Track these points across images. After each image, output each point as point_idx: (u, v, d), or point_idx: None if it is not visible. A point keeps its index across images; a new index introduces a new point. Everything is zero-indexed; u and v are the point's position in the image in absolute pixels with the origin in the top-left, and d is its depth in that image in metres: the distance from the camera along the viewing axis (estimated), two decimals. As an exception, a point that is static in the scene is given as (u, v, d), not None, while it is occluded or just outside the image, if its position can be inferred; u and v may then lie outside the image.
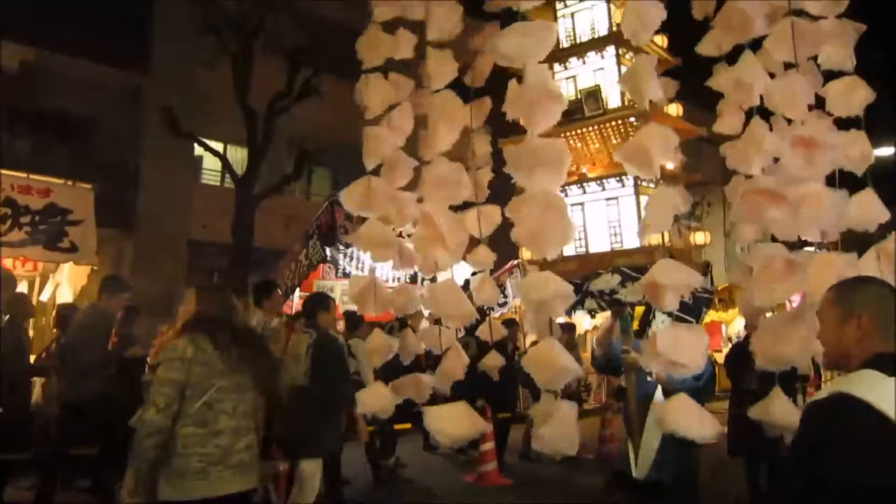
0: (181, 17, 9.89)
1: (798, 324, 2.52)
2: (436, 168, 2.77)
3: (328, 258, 7.06)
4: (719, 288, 15.45)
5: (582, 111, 4.33)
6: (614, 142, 4.31)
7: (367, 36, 3.09)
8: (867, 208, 2.75)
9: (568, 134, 4.37)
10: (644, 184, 4.20)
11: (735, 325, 15.45)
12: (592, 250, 4.34)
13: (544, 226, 2.43)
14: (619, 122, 4.23)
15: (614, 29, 4.32)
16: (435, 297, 2.78)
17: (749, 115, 2.72)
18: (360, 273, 6.62)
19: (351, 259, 7.07)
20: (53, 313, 6.44)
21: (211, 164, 11.78)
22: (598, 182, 4.36)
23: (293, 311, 6.76)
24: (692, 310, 3.53)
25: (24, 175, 7.20)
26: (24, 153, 9.54)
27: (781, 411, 2.58)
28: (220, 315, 2.60)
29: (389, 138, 3.03)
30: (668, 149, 2.48)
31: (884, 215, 2.74)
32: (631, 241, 4.11)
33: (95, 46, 10.00)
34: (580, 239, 4.42)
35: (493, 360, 3.39)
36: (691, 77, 3.02)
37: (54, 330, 6.01)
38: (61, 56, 10.07)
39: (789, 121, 2.74)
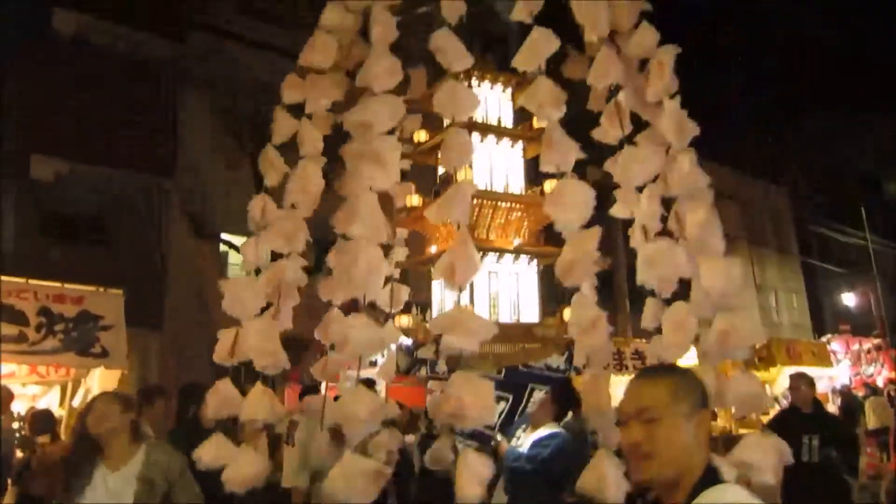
0: (203, 122, 10.38)
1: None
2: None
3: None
4: (757, 346, 15.05)
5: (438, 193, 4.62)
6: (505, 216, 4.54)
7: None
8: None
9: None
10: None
11: (780, 383, 14.95)
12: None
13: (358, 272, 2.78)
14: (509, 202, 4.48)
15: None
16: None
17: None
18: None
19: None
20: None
21: (237, 258, 12.02)
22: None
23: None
24: (510, 386, 3.54)
25: (59, 285, 7.41)
26: (55, 259, 9.86)
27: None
28: None
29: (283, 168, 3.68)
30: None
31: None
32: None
33: (124, 155, 10.49)
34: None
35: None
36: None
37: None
38: (93, 166, 10.56)
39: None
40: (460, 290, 2.90)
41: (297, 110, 3.78)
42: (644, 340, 9.79)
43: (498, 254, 4.36)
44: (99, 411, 2.62)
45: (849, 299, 22.18)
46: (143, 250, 10.86)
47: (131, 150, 10.49)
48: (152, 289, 10.69)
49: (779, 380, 14.69)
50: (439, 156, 4.84)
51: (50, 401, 7.61)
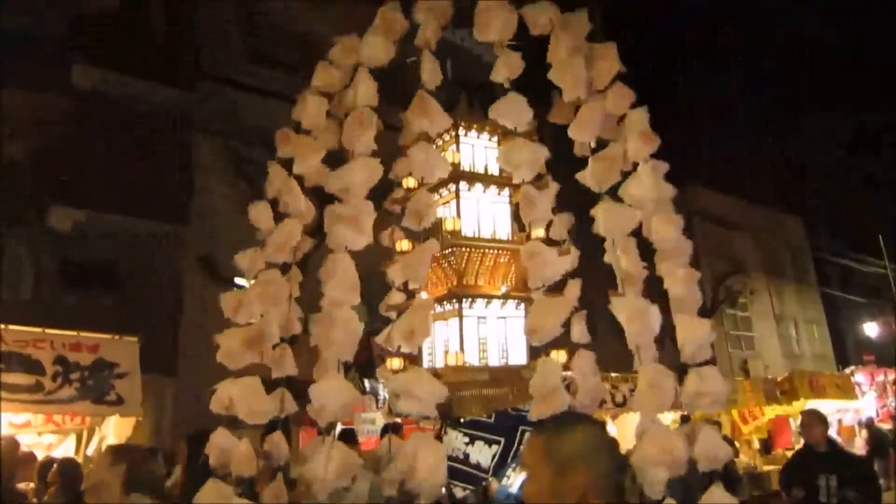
0: (217, 168, 10.58)
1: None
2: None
3: (368, 390, 7.05)
4: (779, 379, 14.77)
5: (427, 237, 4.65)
6: (447, 268, 4.65)
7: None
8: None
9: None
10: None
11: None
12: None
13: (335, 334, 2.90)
14: (450, 249, 4.53)
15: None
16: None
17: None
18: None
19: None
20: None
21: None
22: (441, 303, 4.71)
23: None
24: (501, 430, 3.57)
25: (75, 333, 7.46)
26: (71, 306, 9.98)
27: None
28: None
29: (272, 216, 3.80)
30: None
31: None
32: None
33: (139, 202, 10.68)
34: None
35: None
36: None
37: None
38: (109, 214, 10.75)
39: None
40: (409, 350, 3.03)
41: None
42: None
43: (486, 300, 4.44)
44: (90, 467, 2.62)
45: (871, 329, 21.78)
46: (158, 296, 10.96)
47: (146, 197, 10.67)
48: (167, 334, 10.75)
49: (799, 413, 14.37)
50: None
51: (66, 449, 7.60)
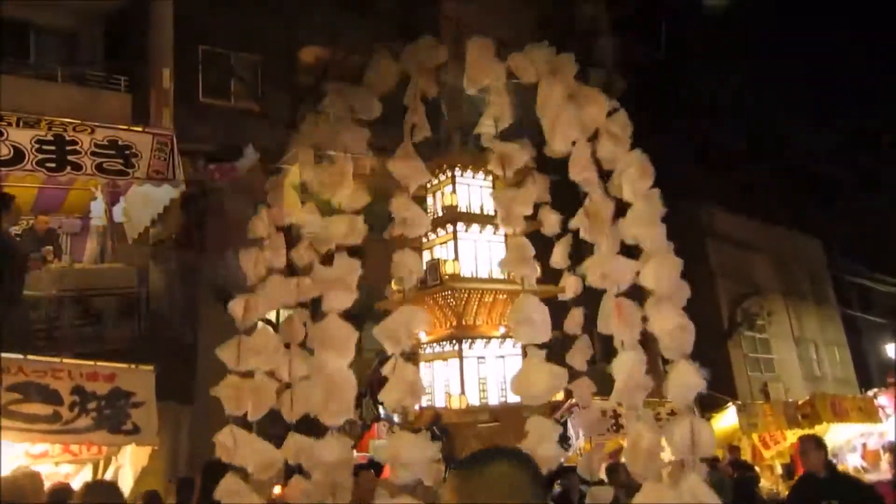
0: (229, 196, 10.72)
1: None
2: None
3: (382, 416, 7.02)
4: (800, 402, 14.48)
5: (426, 282, 4.67)
6: (447, 309, 4.70)
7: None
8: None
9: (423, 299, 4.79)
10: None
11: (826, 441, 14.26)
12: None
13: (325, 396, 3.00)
14: (448, 292, 4.61)
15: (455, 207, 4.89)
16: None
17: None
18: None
19: (405, 415, 7.02)
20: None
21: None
22: (430, 345, 4.83)
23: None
24: None
25: (92, 363, 7.52)
26: (88, 335, 10.07)
27: None
28: None
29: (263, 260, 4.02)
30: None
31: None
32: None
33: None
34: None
35: None
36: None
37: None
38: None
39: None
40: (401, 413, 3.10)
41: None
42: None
43: (485, 340, 4.45)
44: None
45: (894, 351, 21.37)
46: (173, 324, 11.04)
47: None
48: (183, 362, 10.80)
49: (825, 438, 14.04)
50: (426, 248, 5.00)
51: (83, 479, 7.62)
